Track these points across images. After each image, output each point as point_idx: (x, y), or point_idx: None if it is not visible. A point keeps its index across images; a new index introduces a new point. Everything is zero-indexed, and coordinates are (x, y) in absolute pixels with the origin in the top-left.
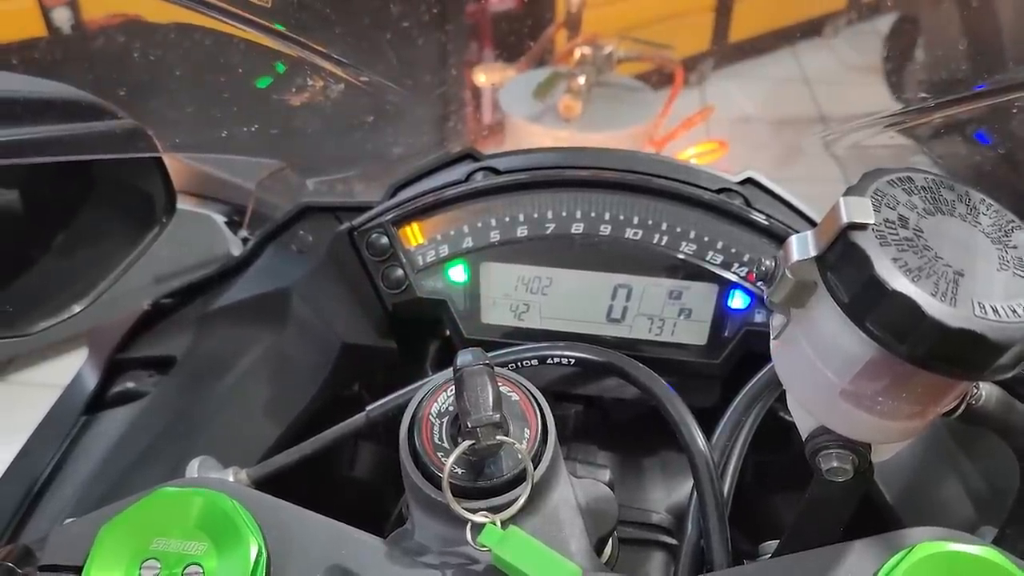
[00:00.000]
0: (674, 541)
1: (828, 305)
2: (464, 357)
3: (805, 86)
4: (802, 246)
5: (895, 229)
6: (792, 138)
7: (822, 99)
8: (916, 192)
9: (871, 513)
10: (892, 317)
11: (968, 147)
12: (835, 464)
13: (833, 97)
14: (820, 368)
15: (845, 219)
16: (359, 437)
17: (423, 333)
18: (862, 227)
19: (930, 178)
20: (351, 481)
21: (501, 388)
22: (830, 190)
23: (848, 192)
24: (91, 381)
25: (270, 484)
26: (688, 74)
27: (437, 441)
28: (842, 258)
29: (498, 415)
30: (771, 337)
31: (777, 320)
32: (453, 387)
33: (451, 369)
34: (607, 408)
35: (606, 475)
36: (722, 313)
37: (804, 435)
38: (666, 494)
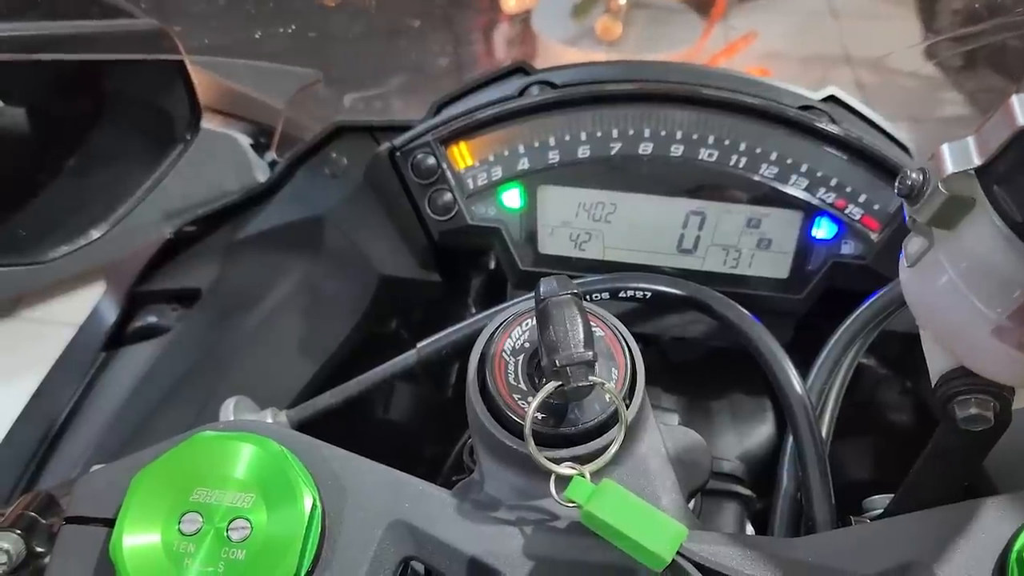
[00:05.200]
0: (748, 491)
1: (987, 225)
2: (548, 285)
3: (833, 19)
4: (960, 155)
5: None
6: (820, 73)
7: (850, 33)
8: None
9: None
10: None
11: (1004, 81)
12: (973, 411)
13: (862, 31)
14: (970, 300)
15: (1021, 120)
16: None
17: (467, 265)
18: None
19: None
20: (381, 422)
21: None
22: None
23: (1020, 90)
24: (110, 315)
25: (307, 427)
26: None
27: (512, 382)
28: (1016, 167)
29: (591, 352)
30: (904, 264)
31: (915, 245)
32: (529, 320)
33: (523, 299)
34: (665, 348)
35: (674, 419)
36: (806, 243)
37: (935, 378)
38: (737, 440)
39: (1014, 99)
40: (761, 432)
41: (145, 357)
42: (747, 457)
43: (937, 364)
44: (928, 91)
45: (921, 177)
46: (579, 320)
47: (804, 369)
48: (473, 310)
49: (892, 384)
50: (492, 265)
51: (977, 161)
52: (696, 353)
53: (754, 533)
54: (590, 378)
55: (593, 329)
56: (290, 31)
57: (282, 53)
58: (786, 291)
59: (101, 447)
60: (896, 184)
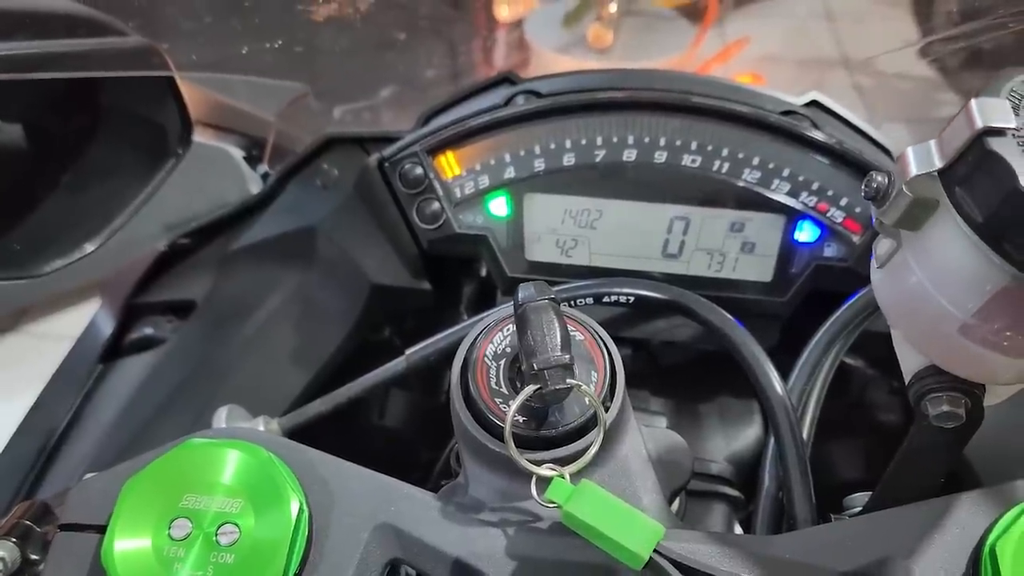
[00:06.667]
0: (736, 493)
1: (950, 226)
2: (526, 291)
3: (829, 22)
4: (922, 157)
5: None
6: (817, 76)
7: (846, 37)
8: None
9: None
10: None
11: None
12: (945, 409)
13: (857, 34)
14: (937, 300)
15: (980, 123)
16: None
17: (458, 273)
18: (1000, 133)
19: None
20: (377, 428)
21: None
22: None
23: (979, 93)
24: (107, 327)
25: (300, 434)
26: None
27: (494, 386)
28: (976, 170)
29: (568, 356)
30: (874, 266)
31: (883, 246)
32: (510, 326)
33: (504, 306)
34: (654, 352)
35: (662, 422)
36: (789, 247)
37: (907, 377)
38: (725, 443)
39: (973, 103)
40: (749, 434)
41: (141, 368)
42: (735, 459)
43: (909, 363)
44: (925, 92)
45: (887, 180)
46: (556, 324)
47: (790, 371)
48: (465, 317)
49: (874, 384)
50: (483, 272)
51: (939, 164)
52: (684, 357)
53: (742, 533)
54: (568, 381)
55: (572, 333)
56: (276, 46)
57: (270, 68)
58: (770, 294)
59: (99, 458)
60: (863, 187)
